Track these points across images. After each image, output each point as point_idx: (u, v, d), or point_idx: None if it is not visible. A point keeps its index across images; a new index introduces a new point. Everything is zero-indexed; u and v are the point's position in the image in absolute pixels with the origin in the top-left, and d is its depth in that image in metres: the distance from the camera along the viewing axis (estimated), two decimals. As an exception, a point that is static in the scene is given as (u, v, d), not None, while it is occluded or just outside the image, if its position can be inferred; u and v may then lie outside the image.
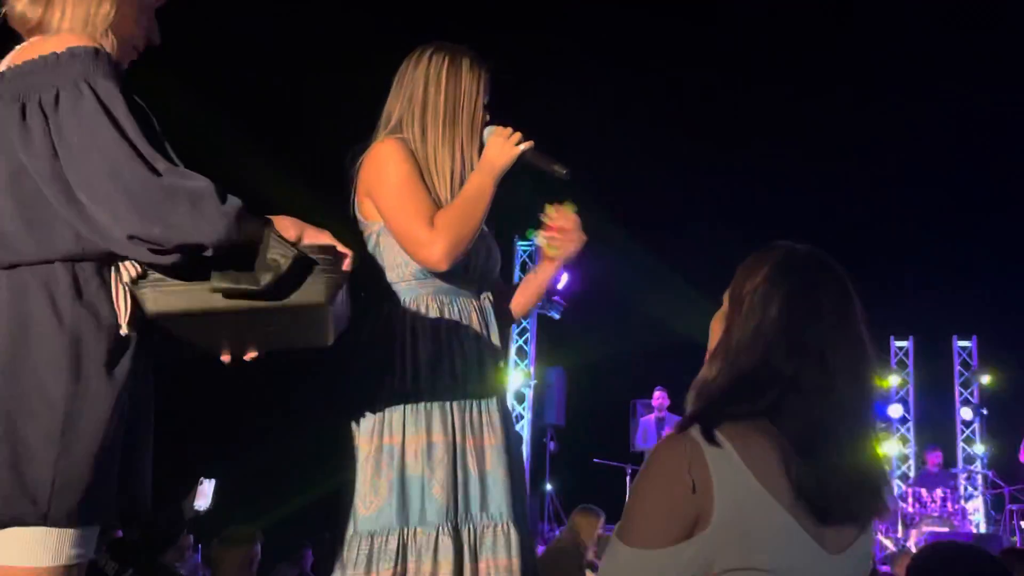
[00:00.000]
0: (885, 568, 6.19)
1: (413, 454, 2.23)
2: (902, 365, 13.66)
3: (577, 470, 11.44)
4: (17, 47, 1.76)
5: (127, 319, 1.67)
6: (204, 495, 4.41)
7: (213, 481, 4.49)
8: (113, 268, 1.69)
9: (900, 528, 10.86)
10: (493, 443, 2.32)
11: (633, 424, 11.32)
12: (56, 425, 1.56)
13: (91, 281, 1.66)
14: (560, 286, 11.61)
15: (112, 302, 1.67)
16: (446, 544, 2.18)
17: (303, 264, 1.70)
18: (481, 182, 2.33)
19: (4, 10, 1.82)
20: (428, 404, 2.27)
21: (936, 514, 10.81)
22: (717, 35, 12.02)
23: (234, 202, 1.63)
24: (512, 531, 2.26)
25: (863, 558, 1.59)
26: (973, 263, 12.79)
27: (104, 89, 1.64)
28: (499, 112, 2.50)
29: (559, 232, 2.49)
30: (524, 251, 11.96)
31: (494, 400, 2.36)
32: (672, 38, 11.72)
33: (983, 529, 11.41)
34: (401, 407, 2.27)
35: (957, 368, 13.38)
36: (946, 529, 10.40)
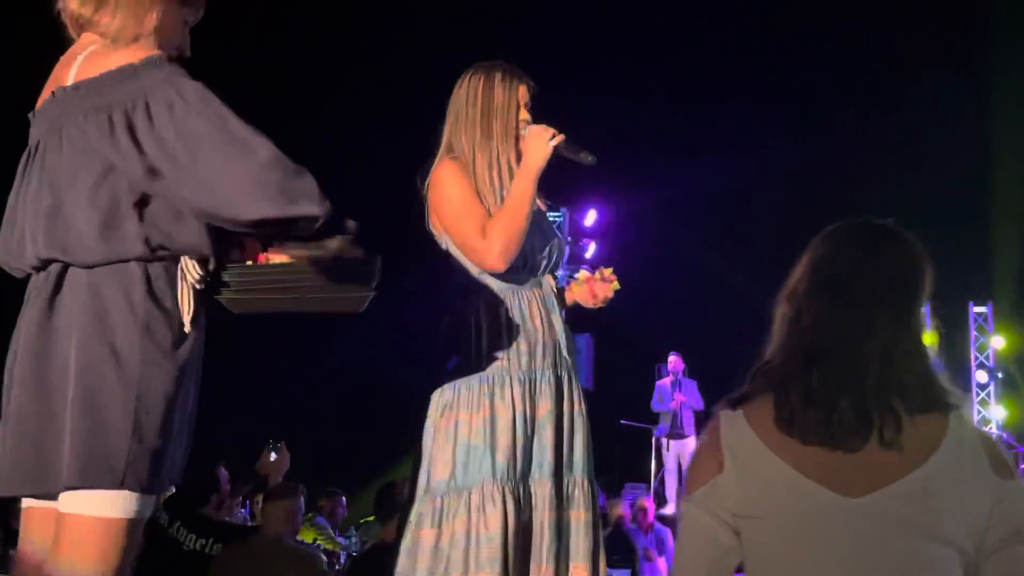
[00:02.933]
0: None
1: (480, 425, 2.55)
2: (920, 330, 13.85)
3: (605, 431, 11.78)
4: (80, 58, 1.87)
5: (189, 317, 1.85)
6: (278, 457, 4.66)
7: (281, 444, 4.74)
8: (179, 270, 1.86)
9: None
10: (547, 410, 2.61)
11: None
12: (131, 404, 1.75)
13: (159, 279, 1.83)
14: (588, 255, 11.96)
15: (177, 299, 1.85)
16: (508, 498, 2.48)
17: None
18: (522, 185, 2.61)
19: (59, 5, 1.94)
20: (492, 384, 2.58)
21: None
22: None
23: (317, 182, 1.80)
24: (553, 488, 2.57)
25: (931, 485, 1.49)
26: (990, 229, 12.96)
27: (192, 89, 1.76)
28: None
29: (594, 287, 2.79)
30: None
31: (550, 373, 2.64)
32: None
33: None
34: (469, 385, 2.59)
35: (973, 333, 13.57)
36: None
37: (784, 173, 13.13)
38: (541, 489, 2.56)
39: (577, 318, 2.78)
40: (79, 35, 1.94)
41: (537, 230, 2.70)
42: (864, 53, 12.64)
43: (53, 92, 1.87)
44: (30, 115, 1.96)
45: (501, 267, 2.59)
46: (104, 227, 1.78)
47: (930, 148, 11.72)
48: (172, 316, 1.83)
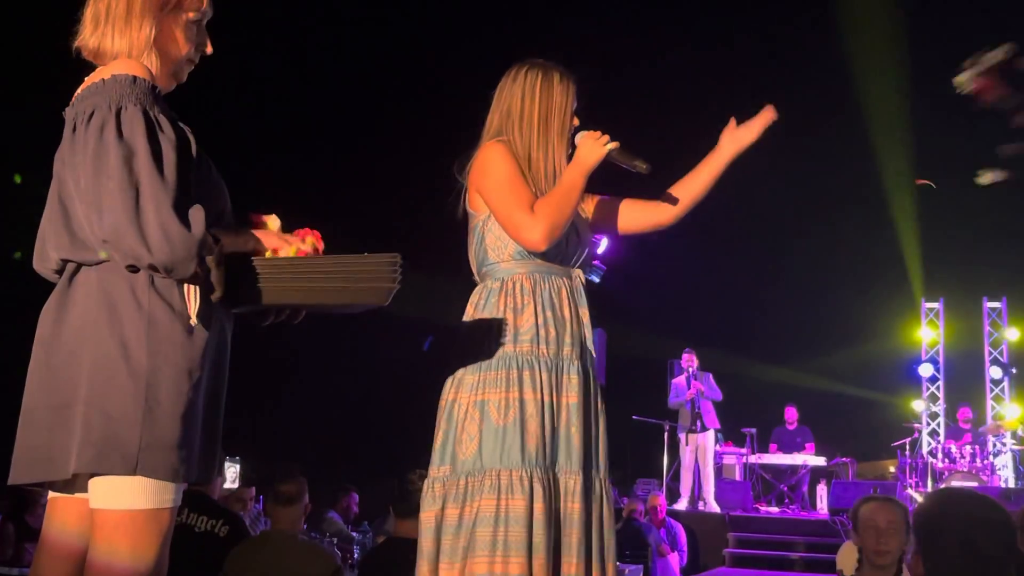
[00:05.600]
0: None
1: (507, 408, 2.56)
2: (933, 326, 13.87)
3: (618, 427, 11.79)
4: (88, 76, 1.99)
5: (195, 311, 1.90)
6: None
7: None
8: None
9: (930, 483, 11.14)
10: (574, 401, 2.61)
11: (669, 383, 11.70)
12: (140, 392, 1.81)
13: (163, 277, 1.87)
14: (600, 251, 11.94)
15: (183, 296, 1.90)
16: (535, 485, 2.48)
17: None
18: (573, 176, 2.65)
19: (78, 42, 2.04)
20: (520, 366, 2.58)
21: (965, 469, 11.08)
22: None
23: (201, 238, 1.81)
24: (581, 479, 2.57)
25: None
26: (1004, 225, 12.92)
27: (129, 115, 1.84)
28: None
29: None
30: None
31: (577, 364, 2.64)
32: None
33: (1011, 484, 11.62)
34: (497, 368, 2.61)
35: (987, 328, 13.55)
36: (975, 484, 10.54)
37: (794, 171, 13.10)
38: (571, 481, 2.56)
39: (590, 313, 2.78)
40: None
41: (572, 224, 2.73)
42: (867, 50, 12.59)
43: (67, 107, 1.97)
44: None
45: (543, 246, 2.61)
46: None
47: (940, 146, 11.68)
48: (179, 312, 1.89)
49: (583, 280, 2.78)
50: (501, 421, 2.55)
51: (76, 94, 1.96)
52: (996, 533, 2.13)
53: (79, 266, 1.92)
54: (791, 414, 12.56)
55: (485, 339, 2.64)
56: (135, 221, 1.78)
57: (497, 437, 2.54)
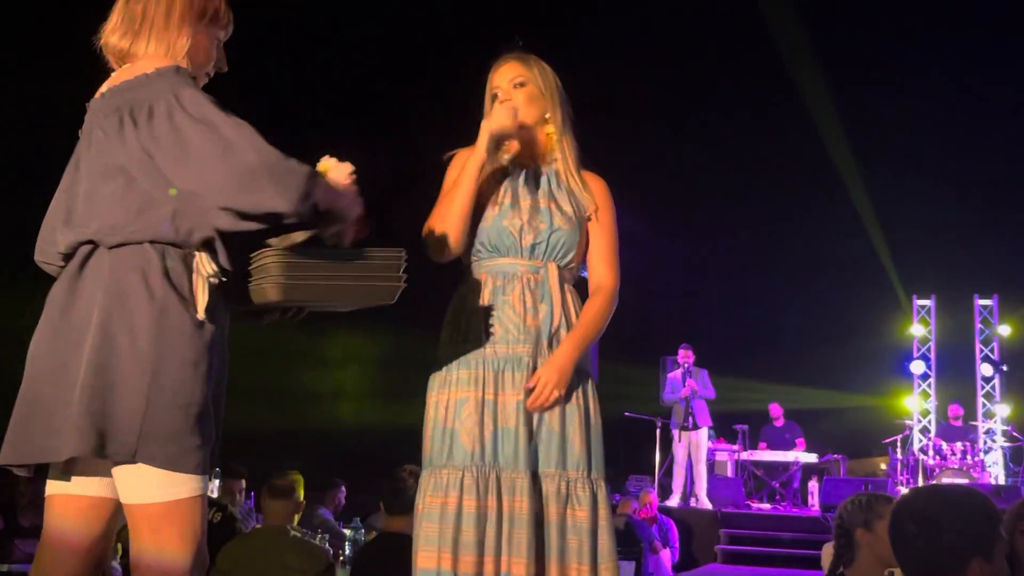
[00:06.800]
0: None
1: (445, 408, 2.55)
2: (924, 323, 13.91)
3: (610, 423, 11.81)
4: (114, 74, 2.08)
5: (203, 307, 1.94)
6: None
7: None
8: (195, 263, 1.96)
9: (921, 479, 11.19)
10: (521, 399, 2.52)
11: (662, 379, 11.72)
12: (144, 380, 1.84)
13: (177, 267, 1.93)
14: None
15: (192, 286, 1.94)
16: (467, 482, 2.45)
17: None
18: (461, 175, 2.61)
19: (100, 41, 2.12)
20: (464, 365, 2.56)
21: (956, 466, 11.13)
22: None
23: (314, 179, 1.92)
24: (527, 477, 2.48)
25: None
26: (995, 222, 12.97)
27: (189, 96, 1.92)
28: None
29: None
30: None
31: (528, 361, 2.55)
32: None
33: (1002, 481, 11.70)
34: (446, 366, 2.59)
35: (978, 326, 13.59)
36: (965, 481, 10.64)
37: (791, 168, 13.14)
38: (517, 479, 2.47)
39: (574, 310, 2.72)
40: (120, 66, 2.11)
41: (516, 211, 2.65)
42: (871, 45, 12.64)
43: (93, 99, 2.04)
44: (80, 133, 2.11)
45: (434, 257, 2.61)
46: (125, 210, 1.91)
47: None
48: (188, 304, 1.92)
49: (561, 274, 2.65)
50: (441, 421, 2.56)
51: (109, 88, 2.02)
52: (960, 518, 2.13)
53: (93, 250, 1.94)
54: (776, 410, 12.60)
55: (444, 339, 2.66)
56: (247, 177, 1.85)
57: (435, 436, 2.56)
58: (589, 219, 2.72)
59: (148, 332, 1.86)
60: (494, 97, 2.71)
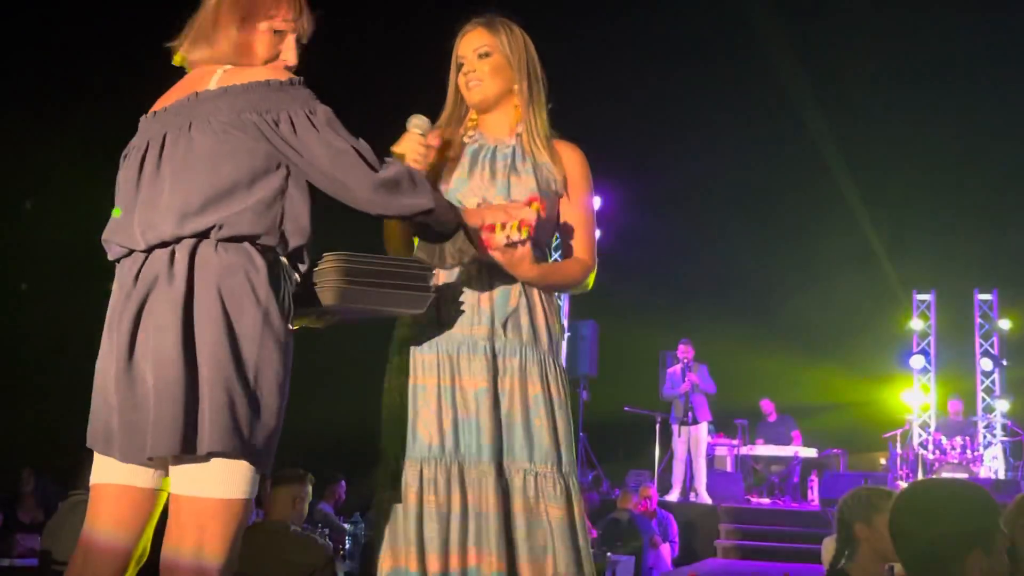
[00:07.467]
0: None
1: (400, 395, 2.45)
2: (924, 317, 13.90)
3: (609, 418, 11.83)
4: (220, 71, 2.09)
5: (290, 315, 2.00)
6: None
7: None
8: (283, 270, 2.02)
9: (920, 474, 11.17)
10: (483, 386, 2.40)
11: (662, 374, 11.71)
12: (251, 378, 1.89)
13: (276, 273, 1.98)
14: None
15: (285, 293, 2.00)
16: (428, 476, 2.35)
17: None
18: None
19: (179, 60, 2.17)
20: (423, 352, 2.44)
21: (955, 461, 11.13)
22: None
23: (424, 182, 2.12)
24: (491, 470, 2.35)
25: None
26: (996, 217, 12.97)
27: (322, 112, 2.03)
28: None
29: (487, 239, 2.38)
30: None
31: (485, 345, 2.42)
32: None
33: (1002, 476, 11.71)
34: (401, 355, 2.48)
35: (978, 320, 13.58)
36: (965, 475, 10.68)
37: (790, 160, 13.13)
38: (480, 470, 2.35)
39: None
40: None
41: (470, 185, 2.53)
42: (886, 41, 12.62)
43: (196, 94, 2.05)
44: (145, 117, 2.12)
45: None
46: (259, 205, 1.96)
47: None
48: (284, 309, 1.98)
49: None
50: (396, 408, 2.45)
51: (220, 87, 2.04)
52: (959, 511, 2.13)
53: (197, 245, 1.93)
54: (767, 406, 12.61)
55: (398, 322, 2.55)
56: (391, 183, 2.04)
57: (390, 424, 2.46)
58: (559, 194, 2.57)
59: (254, 336, 1.90)
60: (459, 67, 2.59)
